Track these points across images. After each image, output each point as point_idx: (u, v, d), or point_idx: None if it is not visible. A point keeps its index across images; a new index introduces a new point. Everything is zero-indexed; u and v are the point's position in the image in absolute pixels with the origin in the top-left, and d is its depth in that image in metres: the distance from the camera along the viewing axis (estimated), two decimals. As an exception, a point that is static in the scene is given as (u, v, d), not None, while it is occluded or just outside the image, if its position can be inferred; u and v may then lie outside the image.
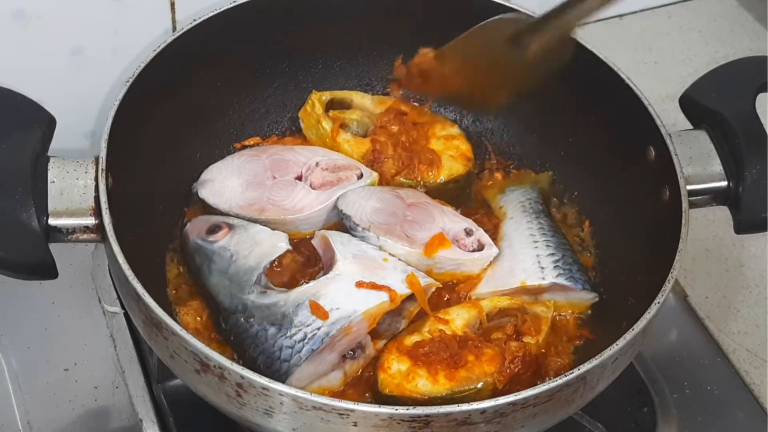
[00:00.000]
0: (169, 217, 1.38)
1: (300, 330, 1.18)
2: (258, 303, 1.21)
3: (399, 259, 1.28)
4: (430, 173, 1.42)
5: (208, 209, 1.36)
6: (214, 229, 1.29)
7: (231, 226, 1.29)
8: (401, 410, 1.04)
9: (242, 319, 1.21)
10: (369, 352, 1.24)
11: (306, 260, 1.32)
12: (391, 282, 1.23)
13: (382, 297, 1.21)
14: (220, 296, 1.23)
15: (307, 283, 1.24)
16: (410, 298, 1.25)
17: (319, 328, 1.18)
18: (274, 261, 1.26)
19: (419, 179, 1.42)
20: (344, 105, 1.49)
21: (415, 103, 1.51)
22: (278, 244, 1.27)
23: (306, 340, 1.17)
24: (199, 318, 1.27)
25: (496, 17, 1.28)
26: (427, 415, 1.04)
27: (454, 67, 1.31)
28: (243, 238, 1.27)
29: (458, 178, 1.43)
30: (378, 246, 1.30)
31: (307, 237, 1.35)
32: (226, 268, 1.25)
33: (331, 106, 1.48)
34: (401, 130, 1.44)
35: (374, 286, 1.21)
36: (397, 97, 1.46)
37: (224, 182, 1.37)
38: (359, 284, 1.21)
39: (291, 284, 1.28)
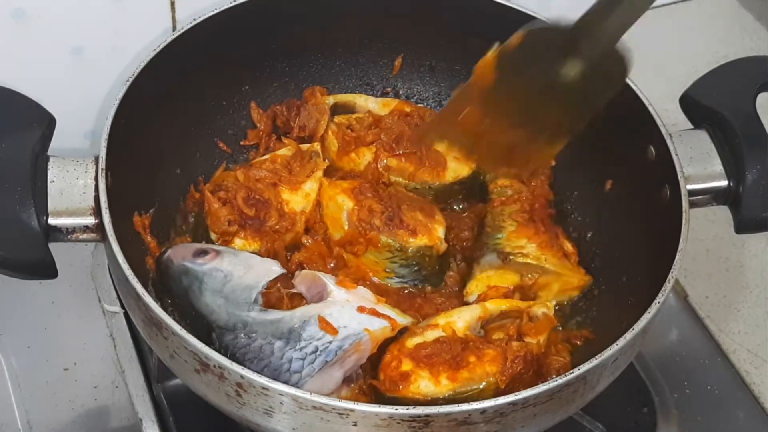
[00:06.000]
0: (168, 217, 1.38)
1: (310, 343, 1.18)
2: (260, 319, 1.19)
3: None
4: (436, 175, 1.42)
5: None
6: (201, 253, 1.26)
7: (218, 252, 1.26)
8: (401, 410, 1.04)
9: (242, 335, 1.19)
10: (360, 381, 1.23)
11: (292, 294, 1.28)
12: (391, 313, 1.24)
13: (384, 323, 1.22)
14: (214, 315, 1.21)
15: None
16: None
17: (330, 342, 1.18)
18: (272, 281, 1.23)
19: (425, 181, 1.41)
20: (348, 109, 1.49)
21: (420, 104, 1.52)
22: (272, 267, 1.25)
23: (318, 353, 1.17)
24: None
25: (521, 30, 1.14)
26: (427, 415, 1.04)
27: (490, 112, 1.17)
28: (235, 261, 1.25)
29: (464, 179, 1.43)
30: None
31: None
32: (221, 288, 1.22)
33: (335, 110, 1.48)
34: (406, 131, 1.44)
35: (375, 313, 1.22)
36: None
37: None
38: (360, 309, 1.22)
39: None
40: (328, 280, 1.25)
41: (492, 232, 1.37)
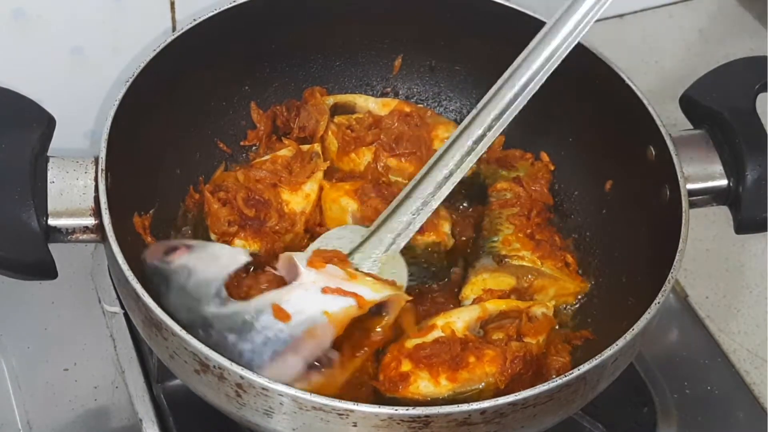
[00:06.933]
0: (169, 217, 1.38)
1: (261, 334, 1.14)
2: (218, 313, 1.16)
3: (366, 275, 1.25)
4: None
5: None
6: (170, 251, 1.22)
7: (189, 247, 1.23)
8: (401, 410, 1.04)
9: (201, 332, 1.14)
10: (335, 367, 1.19)
11: (272, 278, 1.25)
12: (360, 290, 1.19)
13: (350, 301, 1.18)
14: (179, 313, 1.15)
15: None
16: (383, 307, 1.22)
17: (282, 330, 1.14)
18: (234, 272, 1.20)
19: None
20: (347, 109, 1.49)
21: (420, 104, 1.52)
22: (237, 256, 1.22)
23: (269, 343, 1.14)
24: None
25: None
26: (426, 416, 1.04)
27: None
28: (202, 255, 1.22)
29: (464, 179, 1.43)
30: None
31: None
32: (184, 284, 1.18)
33: (334, 110, 1.48)
34: (406, 131, 1.44)
35: (341, 292, 1.18)
36: None
37: None
38: (325, 290, 1.18)
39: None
40: (299, 261, 1.22)
41: (488, 236, 1.37)
